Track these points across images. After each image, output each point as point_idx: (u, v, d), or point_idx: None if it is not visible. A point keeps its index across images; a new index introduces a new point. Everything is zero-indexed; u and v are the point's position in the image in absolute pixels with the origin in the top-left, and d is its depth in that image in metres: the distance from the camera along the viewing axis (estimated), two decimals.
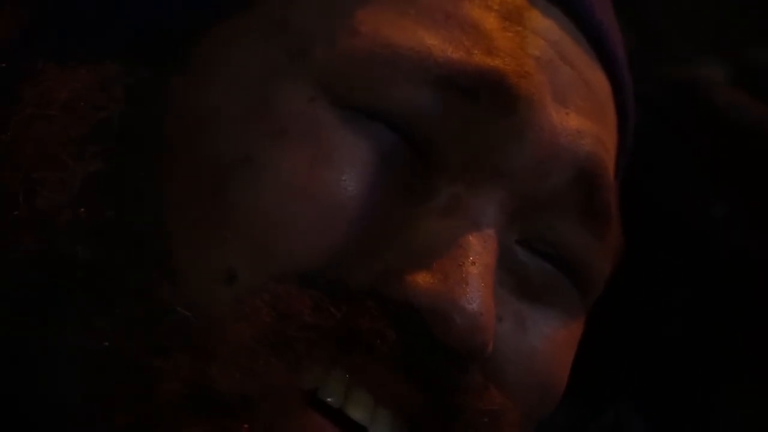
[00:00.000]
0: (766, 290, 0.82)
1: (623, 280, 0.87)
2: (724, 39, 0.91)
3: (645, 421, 0.86)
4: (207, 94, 0.57)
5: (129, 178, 0.55)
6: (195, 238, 0.54)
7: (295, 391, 0.53)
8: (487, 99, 0.57)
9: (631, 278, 0.86)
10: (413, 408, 0.55)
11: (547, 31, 0.60)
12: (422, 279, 0.54)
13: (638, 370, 0.86)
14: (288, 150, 0.55)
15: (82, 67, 0.57)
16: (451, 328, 0.53)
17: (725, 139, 0.86)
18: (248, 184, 0.54)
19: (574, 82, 0.61)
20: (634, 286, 0.87)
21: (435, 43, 0.57)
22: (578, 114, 0.60)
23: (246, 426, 0.52)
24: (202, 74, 0.57)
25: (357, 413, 0.54)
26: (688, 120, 0.89)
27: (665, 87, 0.91)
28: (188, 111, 0.57)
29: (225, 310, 0.53)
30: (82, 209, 0.55)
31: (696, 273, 0.85)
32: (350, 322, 0.53)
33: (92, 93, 0.56)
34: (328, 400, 0.54)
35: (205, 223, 0.54)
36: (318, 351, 0.53)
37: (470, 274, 0.54)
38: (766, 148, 0.85)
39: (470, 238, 0.55)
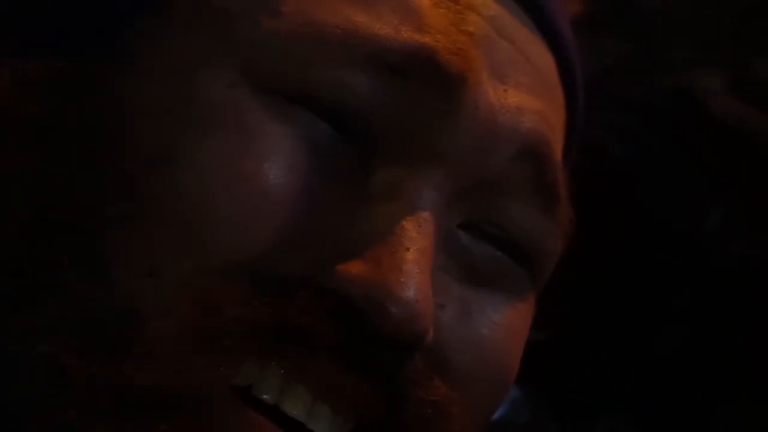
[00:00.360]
0: (765, 298, 0.81)
1: (619, 288, 0.87)
2: (722, 48, 0.90)
3: None
4: (131, 86, 0.55)
5: (54, 173, 0.54)
6: (117, 233, 0.52)
7: (224, 388, 0.51)
8: (417, 78, 0.55)
9: (627, 286, 0.86)
10: (354, 401, 0.53)
11: (482, 6, 0.58)
12: (355, 268, 0.52)
13: (634, 381, 0.85)
14: (208, 139, 0.53)
15: (3, 62, 0.56)
16: (386, 318, 0.51)
17: (723, 146, 0.86)
18: (169, 175, 0.52)
19: (513, 58, 0.59)
20: (631, 294, 0.87)
21: (361, 20, 0.55)
22: (518, 90, 0.58)
23: (167, 425, 0.50)
24: (128, 66, 0.55)
25: (294, 409, 0.52)
26: (686, 128, 0.89)
27: (663, 95, 0.90)
28: (112, 103, 0.55)
29: (145, 304, 0.51)
30: (3, 204, 0.53)
31: (694, 281, 0.84)
32: (281, 314, 0.52)
33: (16, 88, 0.55)
34: (264, 397, 0.52)
35: (127, 217, 0.52)
36: (247, 345, 0.51)
37: (405, 260, 0.52)
38: (763, 156, 0.85)
39: (404, 223, 0.53)
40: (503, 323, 0.58)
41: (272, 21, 0.55)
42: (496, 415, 0.63)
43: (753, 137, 0.84)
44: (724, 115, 0.85)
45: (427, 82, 0.55)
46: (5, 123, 0.55)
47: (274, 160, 0.53)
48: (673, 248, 0.86)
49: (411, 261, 0.52)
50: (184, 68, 0.54)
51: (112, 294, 0.51)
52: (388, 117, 0.55)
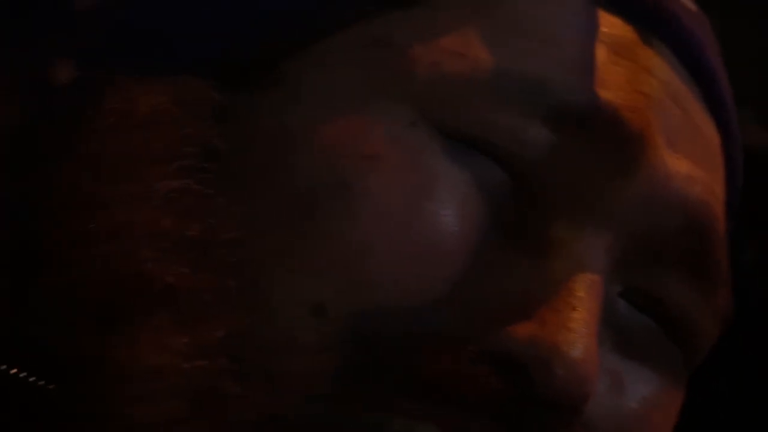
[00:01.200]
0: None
1: None
2: (752, 81, 0.83)
3: None
4: (296, 115, 0.53)
5: (213, 198, 0.52)
6: (281, 267, 0.51)
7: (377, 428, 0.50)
8: (598, 134, 0.54)
9: None
10: None
11: (658, 70, 0.57)
12: (520, 326, 0.51)
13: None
14: (385, 176, 0.52)
15: (162, 81, 0.53)
16: (552, 377, 0.50)
17: (758, 180, 0.78)
18: (342, 211, 0.51)
19: (684, 126, 0.58)
20: None
21: (546, 70, 0.54)
22: (688, 159, 0.57)
23: None
24: (293, 94, 0.54)
25: None
26: None
27: None
28: (277, 132, 0.53)
29: (309, 339, 0.50)
30: (163, 225, 0.51)
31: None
32: (440, 370, 0.50)
33: (174, 108, 0.53)
34: None
35: (292, 251, 0.51)
36: (401, 396, 0.50)
37: (572, 319, 0.51)
38: None
39: (572, 283, 0.53)
40: (653, 399, 0.57)
41: (453, 63, 0.53)
42: None
43: None
44: (759, 146, 0.82)
45: (608, 139, 0.54)
46: (161, 141, 0.52)
47: (453, 207, 0.52)
48: None
49: (578, 321, 0.51)
50: (359, 100, 0.53)
51: (273, 325, 0.50)
52: (565, 172, 0.54)
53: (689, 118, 0.58)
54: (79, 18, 0.56)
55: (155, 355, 0.49)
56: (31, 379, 0.50)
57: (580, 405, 0.51)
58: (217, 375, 0.49)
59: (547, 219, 0.53)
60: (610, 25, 0.56)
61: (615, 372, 0.55)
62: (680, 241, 0.56)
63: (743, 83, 0.80)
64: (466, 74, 0.53)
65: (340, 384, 0.49)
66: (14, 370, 0.50)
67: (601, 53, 0.55)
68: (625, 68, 0.55)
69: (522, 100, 0.52)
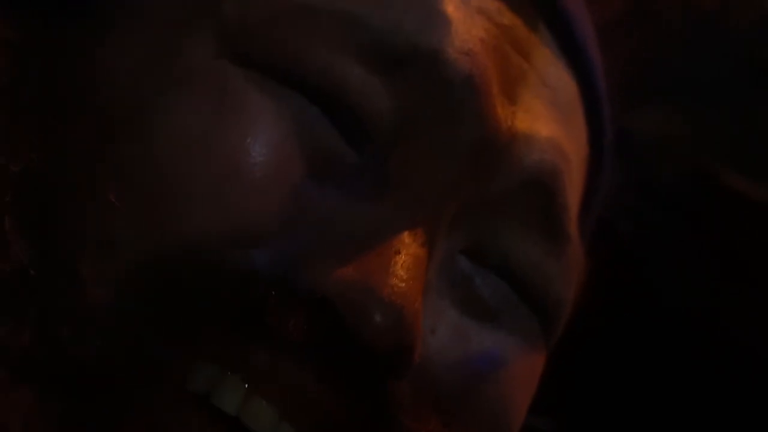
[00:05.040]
0: None
1: (634, 373, 0.89)
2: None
3: None
4: (104, 47, 0.50)
5: (20, 137, 0.48)
6: (74, 196, 0.47)
7: (176, 383, 0.46)
8: (417, 76, 0.50)
9: (642, 372, 0.89)
10: (329, 423, 0.47)
11: (495, 13, 0.53)
12: (336, 267, 0.47)
13: None
14: (187, 98, 0.48)
15: None
16: (368, 322, 0.45)
17: (735, 223, 0.84)
18: (138, 135, 0.47)
19: (526, 78, 0.53)
20: (646, 380, 0.88)
21: (361, 7, 0.50)
22: (528, 115, 0.53)
23: (104, 402, 0.45)
24: (101, 27, 0.50)
25: (256, 427, 0.47)
26: (697, 206, 0.84)
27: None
28: (84, 65, 0.50)
29: (92, 272, 0.46)
30: None
31: (711, 365, 0.86)
32: (246, 310, 0.46)
33: None
34: (223, 408, 0.47)
35: (86, 181, 0.47)
36: (206, 337, 0.46)
37: (393, 263, 0.47)
38: None
39: (397, 228, 0.48)
40: (502, 360, 0.53)
41: None
42: None
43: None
44: (735, 191, 0.83)
45: (429, 79, 0.50)
46: None
47: (259, 136, 0.48)
48: (687, 331, 0.86)
49: (400, 265, 0.47)
50: (165, 32, 0.50)
51: (56, 259, 0.46)
52: (385, 116, 0.50)
53: (534, 68, 0.54)
54: None
55: None
56: None
57: (402, 355, 0.46)
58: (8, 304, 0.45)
59: (371, 162, 0.50)
60: None
61: (459, 328, 0.51)
62: (521, 199, 0.52)
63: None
64: (274, 8, 0.50)
65: (130, 323, 0.45)
66: None
67: None
68: (456, 9, 0.51)
69: (332, 38, 0.49)
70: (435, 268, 0.50)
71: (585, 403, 0.86)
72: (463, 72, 0.50)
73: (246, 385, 0.46)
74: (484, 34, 0.51)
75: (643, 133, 0.89)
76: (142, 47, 0.50)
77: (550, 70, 0.55)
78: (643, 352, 0.86)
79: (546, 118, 0.54)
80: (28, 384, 0.45)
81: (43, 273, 0.45)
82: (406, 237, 0.48)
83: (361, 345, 0.45)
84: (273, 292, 0.46)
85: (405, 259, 0.47)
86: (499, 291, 0.53)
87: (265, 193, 0.48)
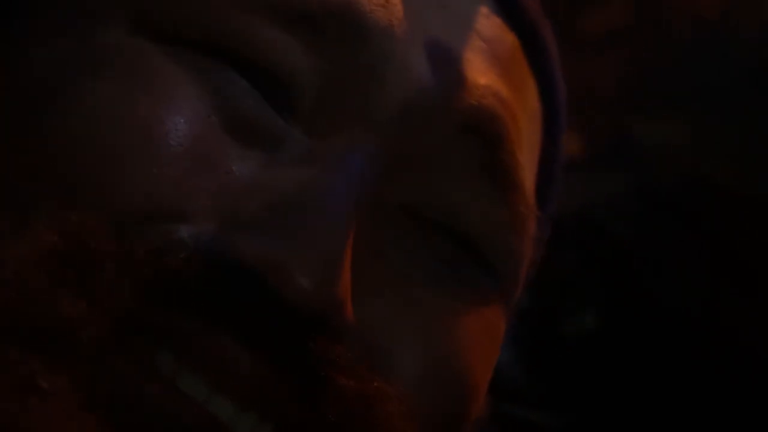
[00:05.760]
0: None
1: (634, 374, 0.90)
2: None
3: None
4: (25, 39, 0.50)
5: None
6: None
7: (96, 331, 0.44)
8: (334, 28, 0.49)
9: (641, 372, 0.90)
10: (263, 395, 0.45)
11: None
12: (259, 234, 0.45)
13: None
14: (102, 78, 0.47)
15: None
16: (289, 283, 0.44)
17: (732, 223, 0.85)
18: (50, 113, 0.47)
19: (456, 32, 0.52)
20: (646, 380, 0.89)
21: None
22: (462, 66, 0.51)
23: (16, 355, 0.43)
24: (24, 23, 0.50)
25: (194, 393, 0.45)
26: (694, 207, 0.85)
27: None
28: (8, 55, 0.49)
29: (3, 231, 0.45)
30: None
31: (710, 365, 0.87)
32: (166, 277, 0.45)
33: None
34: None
35: (7, 157, 0.46)
36: (128, 313, 0.44)
37: (311, 218, 0.45)
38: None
39: (317, 187, 0.47)
40: (459, 325, 0.51)
41: None
42: None
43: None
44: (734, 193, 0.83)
45: (345, 34, 0.49)
46: None
47: (172, 105, 0.47)
48: (687, 330, 0.87)
49: (319, 220, 0.45)
50: (80, 15, 0.50)
51: None
52: (304, 73, 0.49)
53: (461, 23, 0.52)
54: None
55: None
56: None
57: (329, 312, 0.45)
58: None
59: (296, 124, 0.49)
60: None
61: (405, 291, 0.49)
62: (459, 146, 0.50)
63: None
64: None
65: (45, 277, 0.43)
66: None
67: None
68: None
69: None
70: (368, 228, 0.48)
71: (584, 399, 0.87)
72: (380, 22, 0.49)
73: (171, 355, 0.44)
74: None
75: (644, 137, 0.90)
76: (59, 36, 0.49)
77: (484, 22, 0.53)
78: (643, 351, 0.87)
79: (482, 69, 0.51)
80: None
81: None
82: (327, 195, 0.46)
83: (286, 307, 0.43)
84: (195, 263, 0.44)
85: (325, 215, 0.45)
86: (446, 250, 0.51)
87: (181, 164, 0.46)
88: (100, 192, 0.45)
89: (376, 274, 0.48)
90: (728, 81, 0.92)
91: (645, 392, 0.88)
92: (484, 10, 0.53)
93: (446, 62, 0.50)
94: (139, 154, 0.46)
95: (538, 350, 0.85)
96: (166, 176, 0.46)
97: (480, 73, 0.51)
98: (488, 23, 0.53)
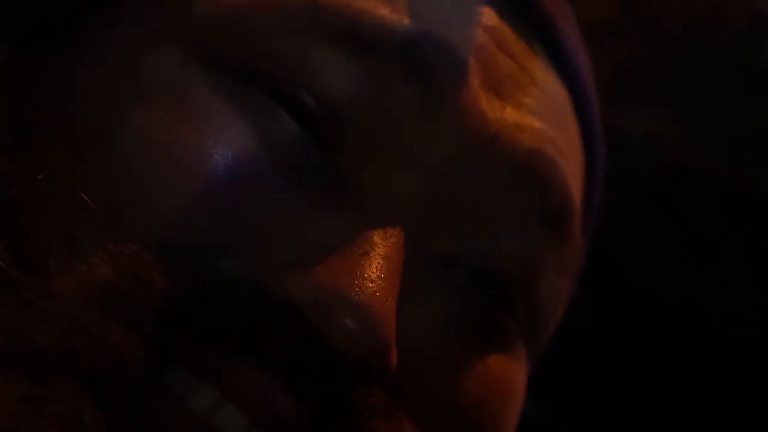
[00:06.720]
0: (753, 375, 0.86)
1: (617, 363, 0.90)
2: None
3: None
4: (79, 71, 0.49)
5: None
6: (40, 204, 0.46)
7: (139, 362, 0.44)
8: (394, 62, 0.48)
9: (624, 361, 0.90)
10: (297, 429, 0.45)
11: (481, 15, 0.51)
12: (306, 274, 0.45)
13: None
14: (151, 111, 0.47)
15: None
16: (336, 325, 0.44)
17: (710, 208, 0.85)
18: (100, 145, 0.47)
19: (514, 76, 0.51)
20: (629, 368, 0.89)
21: None
22: (519, 110, 0.51)
23: (66, 386, 0.43)
24: (79, 54, 0.50)
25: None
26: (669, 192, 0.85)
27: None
28: (57, 87, 0.49)
29: (56, 262, 0.45)
30: None
31: (694, 351, 0.87)
32: (221, 319, 0.45)
33: None
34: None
35: (52, 189, 0.46)
36: (176, 345, 0.44)
37: (361, 264, 0.45)
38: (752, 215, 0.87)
39: (367, 231, 0.46)
40: (493, 378, 0.51)
41: None
42: None
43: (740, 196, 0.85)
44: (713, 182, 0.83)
45: (407, 70, 0.48)
46: None
47: (221, 140, 0.47)
48: (667, 318, 0.88)
49: (369, 266, 0.45)
50: (133, 49, 0.50)
51: (24, 251, 0.45)
52: (358, 106, 0.48)
53: (522, 68, 0.51)
54: None
55: None
56: None
57: (375, 359, 0.45)
58: None
59: (340, 162, 0.48)
60: None
61: (443, 344, 0.49)
62: (513, 197, 0.50)
63: None
64: (241, 4, 0.49)
65: (95, 310, 0.44)
66: None
67: None
68: (438, 8, 0.50)
69: (301, 22, 0.48)
70: (412, 275, 0.47)
71: (570, 390, 0.87)
72: (441, 60, 0.48)
73: (216, 393, 0.44)
74: (465, 30, 0.49)
75: (631, 128, 0.90)
76: (109, 67, 0.49)
77: (540, 73, 0.52)
78: (623, 338, 0.88)
79: (539, 113, 0.51)
80: None
81: (12, 264, 0.44)
82: (376, 238, 0.46)
83: (332, 350, 0.44)
84: (245, 303, 0.44)
85: (375, 260, 0.45)
86: (484, 303, 0.51)
87: (229, 200, 0.46)
88: (150, 225, 0.45)
89: (418, 325, 0.48)
90: (716, 73, 0.92)
91: (626, 379, 0.88)
92: (541, 61, 0.53)
93: (503, 106, 0.50)
94: (188, 189, 0.46)
95: None
96: (214, 212, 0.46)
97: (537, 118, 0.51)
98: (545, 75, 0.53)
